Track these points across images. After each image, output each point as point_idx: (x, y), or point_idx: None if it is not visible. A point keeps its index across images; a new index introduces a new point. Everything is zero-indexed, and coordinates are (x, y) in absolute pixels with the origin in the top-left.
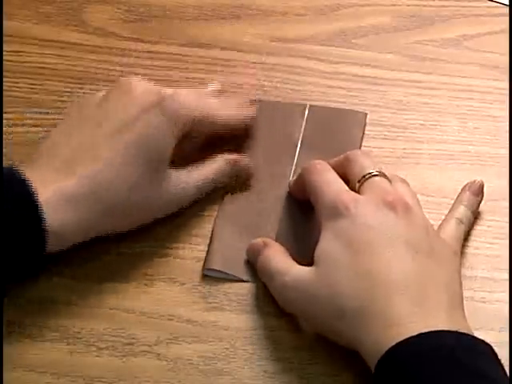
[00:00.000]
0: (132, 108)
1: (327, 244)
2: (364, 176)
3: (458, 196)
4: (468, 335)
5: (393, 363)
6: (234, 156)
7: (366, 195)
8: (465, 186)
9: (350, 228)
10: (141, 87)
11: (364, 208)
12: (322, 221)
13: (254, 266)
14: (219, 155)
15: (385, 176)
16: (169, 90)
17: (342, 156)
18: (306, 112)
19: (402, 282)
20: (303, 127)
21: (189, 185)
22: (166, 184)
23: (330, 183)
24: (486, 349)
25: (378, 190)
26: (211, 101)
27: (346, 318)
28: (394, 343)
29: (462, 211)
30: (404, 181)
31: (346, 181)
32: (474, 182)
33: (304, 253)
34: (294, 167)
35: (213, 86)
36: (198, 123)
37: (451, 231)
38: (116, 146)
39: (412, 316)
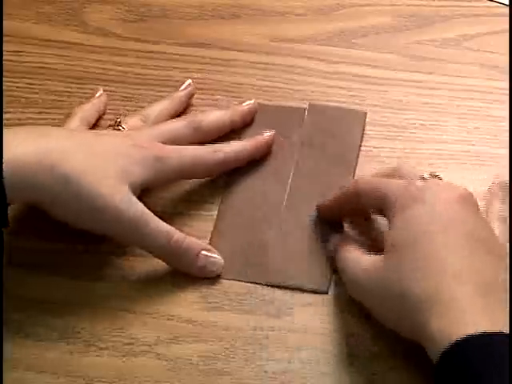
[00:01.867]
0: (122, 143)
1: (398, 232)
2: (422, 178)
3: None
4: None
5: (458, 357)
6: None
7: (434, 187)
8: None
9: (423, 216)
10: (138, 136)
11: (435, 197)
12: (391, 211)
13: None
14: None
15: (436, 175)
16: (166, 147)
17: (386, 169)
18: (306, 111)
19: (471, 274)
20: (303, 125)
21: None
22: (124, 208)
23: (391, 181)
24: None
25: (443, 185)
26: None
27: (411, 304)
28: (459, 337)
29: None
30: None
31: None
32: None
33: (304, 253)
34: (294, 165)
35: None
36: (187, 176)
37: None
38: (99, 158)
39: (478, 311)
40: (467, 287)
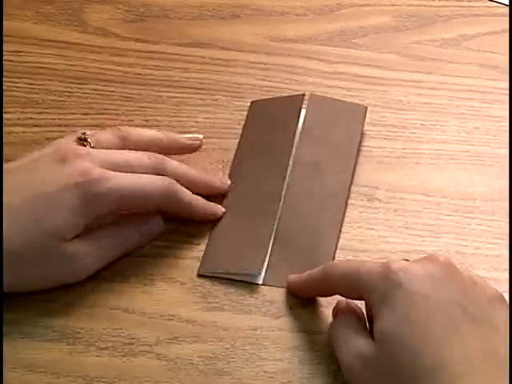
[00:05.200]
0: (55, 181)
1: (385, 323)
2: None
3: None
4: None
5: None
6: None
7: (410, 264)
8: None
9: (406, 299)
10: (73, 166)
11: (413, 275)
12: (372, 301)
13: None
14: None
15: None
16: (98, 174)
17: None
18: (307, 101)
19: (467, 361)
20: (303, 115)
21: (89, 257)
22: (63, 257)
23: (364, 264)
24: None
25: (419, 262)
26: (144, 181)
27: None
28: None
29: None
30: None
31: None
32: None
33: (304, 252)
34: (292, 156)
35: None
36: (128, 204)
37: None
38: (25, 215)
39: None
40: (467, 379)
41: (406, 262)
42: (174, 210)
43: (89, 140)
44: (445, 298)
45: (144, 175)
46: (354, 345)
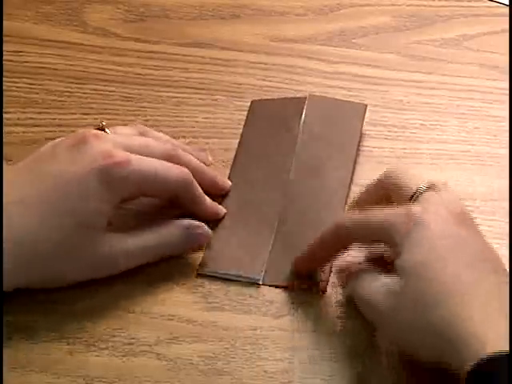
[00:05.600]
0: (75, 167)
1: (412, 256)
2: (415, 193)
3: None
4: None
5: (486, 377)
6: (188, 222)
7: (426, 207)
8: None
9: (431, 238)
10: (94, 148)
11: (436, 217)
12: (395, 241)
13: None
14: (173, 220)
15: (433, 186)
16: (121, 156)
17: (379, 177)
18: (306, 102)
19: (490, 295)
20: (303, 116)
21: (127, 251)
22: (98, 248)
23: (382, 210)
24: None
25: (440, 206)
26: (165, 166)
27: (435, 328)
28: (487, 354)
29: None
30: (448, 188)
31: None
32: None
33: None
34: (295, 155)
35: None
36: (148, 189)
37: None
38: (47, 207)
39: (502, 331)
40: (489, 308)
41: (427, 203)
42: (187, 200)
43: (106, 130)
44: (467, 244)
45: (164, 161)
46: (380, 283)
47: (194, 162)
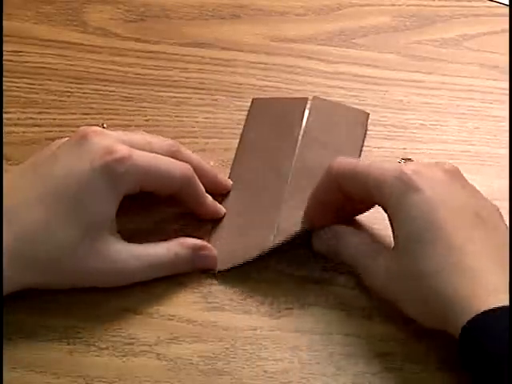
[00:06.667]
0: (76, 166)
1: (406, 227)
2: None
3: None
4: None
5: (478, 332)
6: (193, 241)
7: (422, 167)
8: None
9: (423, 204)
10: (95, 144)
11: (426, 181)
12: (388, 203)
13: (330, 255)
14: (179, 239)
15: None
16: (123, 151)
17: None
18: (309, 104)
19: (484, 252)
20: (305, 118)
21: (136, 261)
22: (105, 252)
23: (376, 164)
24: None
25: (428, 166)
26: (168, 161)
27: (435, 295)
28: (480, 311)
29: None
30: None
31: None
32: None
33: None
34: (294, 159)
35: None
36: (151, 184)
37: None
38: (49, 207)
39: (498, 285)
40: (486, 261)
41: (417, 163)
42: (189, 196)
43: (105, 127)
44: (459, 202)
45: (165, 157)
46: (380, 262)
47: (196, 159)
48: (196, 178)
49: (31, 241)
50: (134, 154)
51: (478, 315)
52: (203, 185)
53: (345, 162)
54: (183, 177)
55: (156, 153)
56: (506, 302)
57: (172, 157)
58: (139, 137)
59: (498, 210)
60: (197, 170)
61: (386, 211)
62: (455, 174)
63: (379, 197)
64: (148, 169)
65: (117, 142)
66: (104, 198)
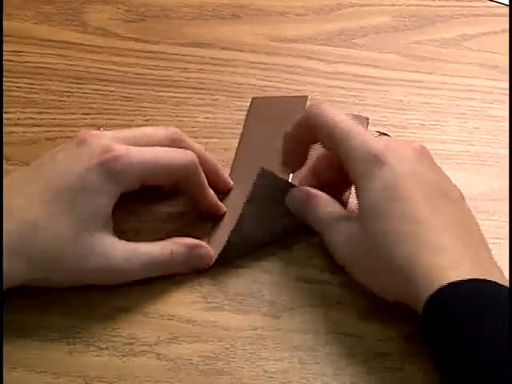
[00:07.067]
0: (75, 165)
1: (372, 197)
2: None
3: None
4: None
5: (440, 305)
6: (188, 240)
7: (392, 143)
8: None
9: (390, 176)
10: (93, 145)
11: (395, 157)
12: (356, 174)
13: (299, 215)
14: (175, 238)
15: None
16: (120, 149)
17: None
18: (308, 102)
19: (448, 227)
20: None
21: (131, 259)
22: (100, 249)
23: (353, 128)
24: None
25: (398, 144)
26: (168, 152)
27: (397, 266)
28: (444, 284)
29: None
30: None
31: None
32: None
33: None
34: None
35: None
36: (151, 178)
37: None
38: (49, 204)
39: (461, 259)
40: (450, 236)
41: (388, 139)
42: (193, 185)
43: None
44: (426, 179)
45: (166, 148)
46: (341, 228)
47: (198, 147)
48: (199, 167)
49: (30, 236)
50: (131, 152)
51: (441, 288)
52: (205, 174)
53: (326, 112)
54: (187, 165)
55: (156, 144)
56: (468, 276)
57: (173, 145)
58: (137, 132)
59: (462, 195)
60: (199, 158)
61: (352, 181)
62: (424, 153)
63: (346, 163)
64: (146, 164)
65: (114, 141)
66: (100, 196)
